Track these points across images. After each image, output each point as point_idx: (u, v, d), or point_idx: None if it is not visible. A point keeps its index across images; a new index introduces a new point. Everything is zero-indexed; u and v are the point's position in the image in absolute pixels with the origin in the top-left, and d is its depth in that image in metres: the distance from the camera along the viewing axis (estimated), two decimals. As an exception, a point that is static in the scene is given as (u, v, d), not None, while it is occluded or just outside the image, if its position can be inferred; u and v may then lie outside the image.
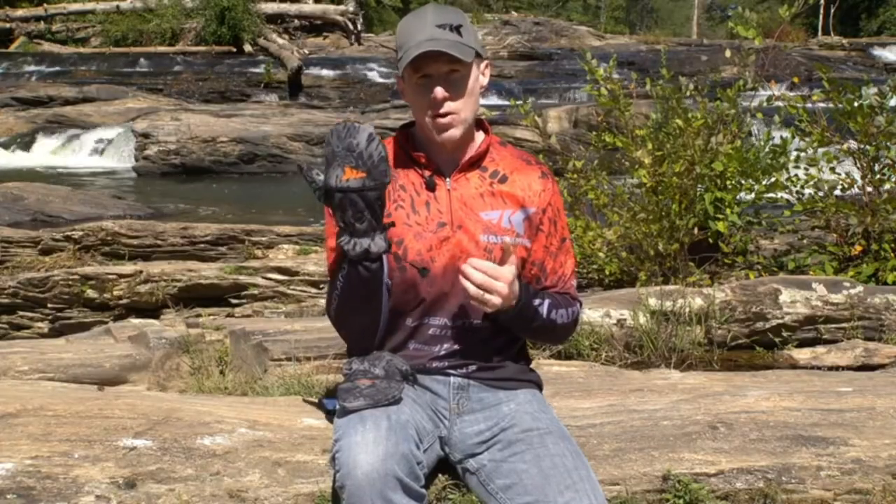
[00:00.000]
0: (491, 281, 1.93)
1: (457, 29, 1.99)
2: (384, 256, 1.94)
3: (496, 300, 1.93)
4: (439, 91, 1.98)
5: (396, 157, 2.08)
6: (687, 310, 3.64)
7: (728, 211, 4.75)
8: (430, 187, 2.07)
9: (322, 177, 1.90)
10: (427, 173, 2.08)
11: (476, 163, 2.11)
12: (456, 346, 2.08)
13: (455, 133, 2.03)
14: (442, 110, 2.00)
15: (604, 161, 5.29)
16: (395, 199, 2.06)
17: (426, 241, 2.05)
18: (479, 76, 2.07)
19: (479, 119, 2.13)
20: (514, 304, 1.98)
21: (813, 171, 4.83)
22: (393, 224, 1.97)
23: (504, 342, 2.14)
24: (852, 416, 2.50)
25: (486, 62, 2.10)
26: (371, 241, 1.89)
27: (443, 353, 2.08)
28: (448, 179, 2.09)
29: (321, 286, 5.32)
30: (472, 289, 1.93)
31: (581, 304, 2.21)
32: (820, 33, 33.31)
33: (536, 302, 2.04)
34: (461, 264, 2.02)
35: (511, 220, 2.09)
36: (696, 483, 2.19)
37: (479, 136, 2.14)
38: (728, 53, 5.49)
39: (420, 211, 2.07)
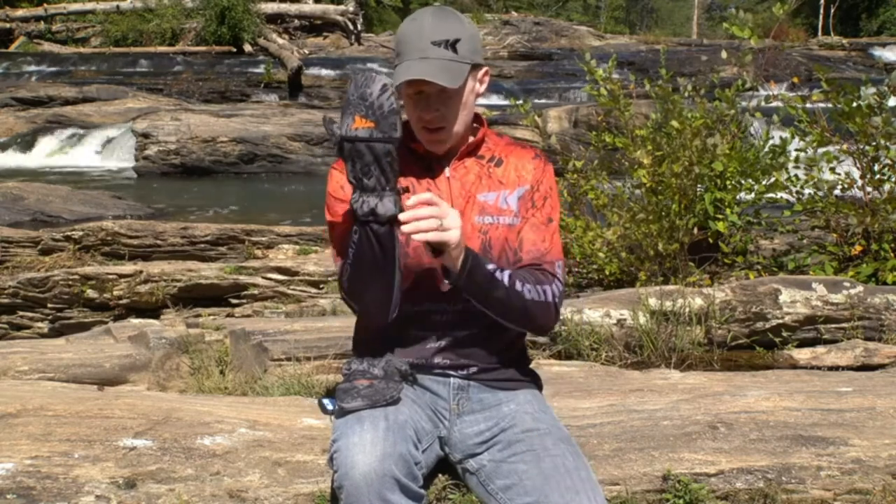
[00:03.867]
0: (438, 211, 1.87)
1: (453, 45, 1.97)
2: (395, 227, 1.91)
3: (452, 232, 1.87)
4: (431, 113, 1.99)
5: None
6: (687, 310, 3.64)
7: (728, 211, 4.75)
8: (431, 172, 2.08)
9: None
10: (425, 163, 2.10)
11: (473, 152, 2.13)
12: (456, 334, 2.08)
13: (444, 146, 2.06)
14: (432, 126, 2.02)
15: (604, 161, 5.28)
16: None
17: None
18: (476, 85, 2.07)
19: (476, 113, 2.14)
20: (461, 261, 1.93)
21: (813, 171, 4.83)
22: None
23: (504, 343, 2.14)
24: (852, 416, 2.50)
25: (484, 69, 2.09)
26: (379, 200, 1.86)
27: (444, 344, 2.08)
28: (447, 168, 2.10)
29: (321, 286, 5.32)
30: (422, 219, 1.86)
31: (563, 285, 2.11)
32: (820, 33, 33.32)
33: (491, 267, 1.98)
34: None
35: (507, 201, 2.10)
36: (696, 483, 2.19)
37: (473, 133, 2.16)
38: (724, 55, 5.48)
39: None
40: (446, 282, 1.98)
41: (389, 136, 1.85)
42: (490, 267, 1.98)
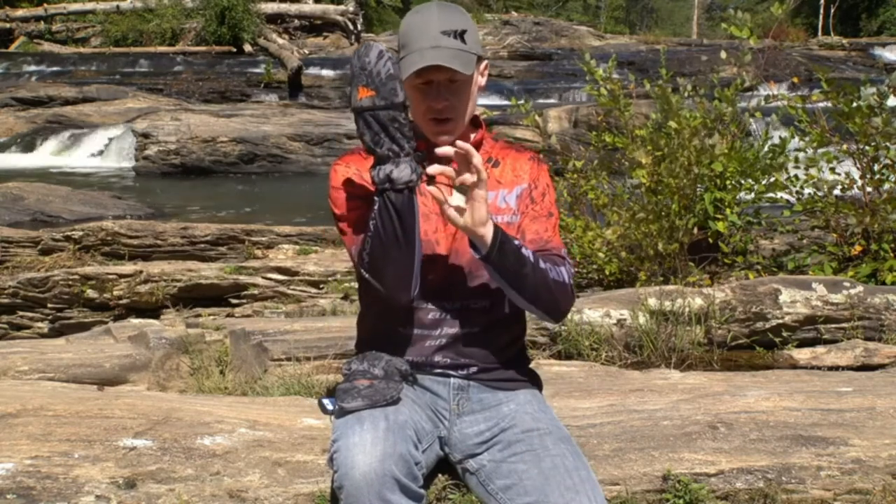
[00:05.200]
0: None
1: (461, 35, 1.98)
2: (414, 196, 1.91)
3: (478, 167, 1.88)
4: (441, 102, 2.00)
5: None
6: (687, 310, 3.64)
7: (728, 211, 4.75)
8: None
9: None
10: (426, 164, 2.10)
11: None
12: (455, 332, 2.07)
13: (452, 136, 2.06)
14: (442, 116, 2.02)
15: (604, 161, 5.28)
16: None
17: (432, 223, 2.06)
18: (479, 77, 2.09)
19: (474, 115, 2.15)
20: (492, 234, 1.92)
21: (812, 171, 4.83)
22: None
23: (504, 342, 2.14)
24: (852, 416, 2.50)
25: (485, 63, 2.11)
26: (394, 167, 1.87)
27: (444, 342, 2.08)
28: None
29: (321, 286, 5.32)
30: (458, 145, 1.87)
31: (571, 266, 2.11)
32: (820, 33, 33.32)
33: (517, 242, 1.98)
34: (458, 246, 2.03)
35: (506, 200, 2.12)
36: (696, 483, 2.19)
37: (473, 131, 2.16)
38: (723, 55, 5.48)
39: (425, 192, 2.07)
40: (476, 256, 1.96)
41: (391, 101, 1.86)
42: (516, 242, 1.98)
